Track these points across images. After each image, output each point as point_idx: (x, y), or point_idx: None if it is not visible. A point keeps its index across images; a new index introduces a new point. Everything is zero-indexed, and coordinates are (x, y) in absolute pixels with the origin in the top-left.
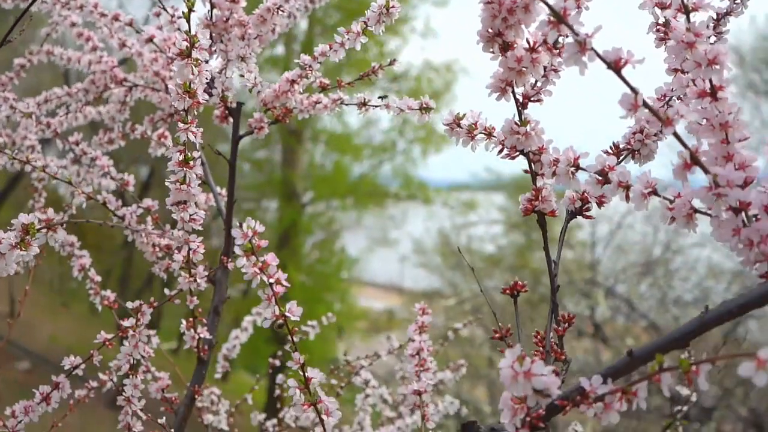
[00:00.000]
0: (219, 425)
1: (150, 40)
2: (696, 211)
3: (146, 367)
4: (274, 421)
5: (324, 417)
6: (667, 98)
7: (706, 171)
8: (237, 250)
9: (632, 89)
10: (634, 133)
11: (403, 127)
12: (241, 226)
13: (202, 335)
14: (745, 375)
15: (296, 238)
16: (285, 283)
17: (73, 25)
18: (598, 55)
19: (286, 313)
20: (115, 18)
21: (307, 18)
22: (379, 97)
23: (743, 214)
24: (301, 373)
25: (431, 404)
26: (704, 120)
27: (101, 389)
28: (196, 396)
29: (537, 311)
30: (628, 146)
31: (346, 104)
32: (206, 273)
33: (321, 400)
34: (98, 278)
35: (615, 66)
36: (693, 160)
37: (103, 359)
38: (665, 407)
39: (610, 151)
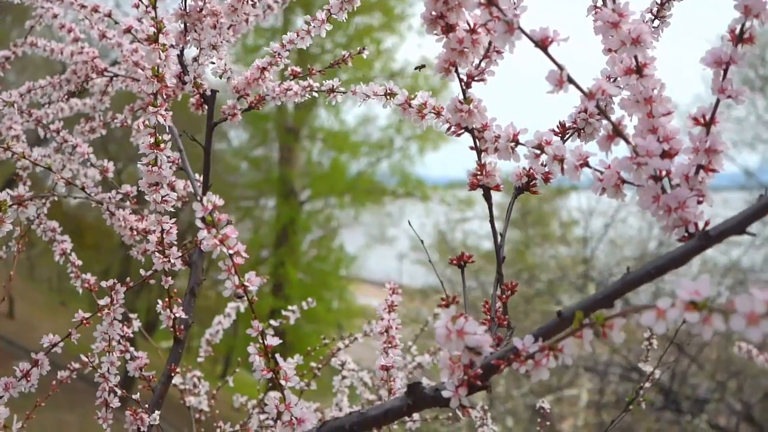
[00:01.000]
0: (200, 406)
1: (128, 30)
2: (624, 181)
3: (125, 347)
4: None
5: (282, 382)
6: (611, 79)
7: (627, 141)
8: (198, 223)
9: (558, 66)
10: (579, 112)
11: (400, 124)
12: (201, 200)
13: (177, 315)
14: (646, 324)
15: (294, 236)
16: (244, 254)
17: (55, 16)
18: (526, 34)
19: (246, 283)
20: (95, 9)
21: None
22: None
23: (665, 182)
24: (261, 341)
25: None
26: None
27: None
28: (173, 374)
29: (531, 305)
30: (574, 125)
31: (316, 91)
32: (180, 254)
33: (280, 366)
34: (79, 262)
35: (542, 44)
36: (615, 131)
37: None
38: (657, 402)
39: (556, 129)
